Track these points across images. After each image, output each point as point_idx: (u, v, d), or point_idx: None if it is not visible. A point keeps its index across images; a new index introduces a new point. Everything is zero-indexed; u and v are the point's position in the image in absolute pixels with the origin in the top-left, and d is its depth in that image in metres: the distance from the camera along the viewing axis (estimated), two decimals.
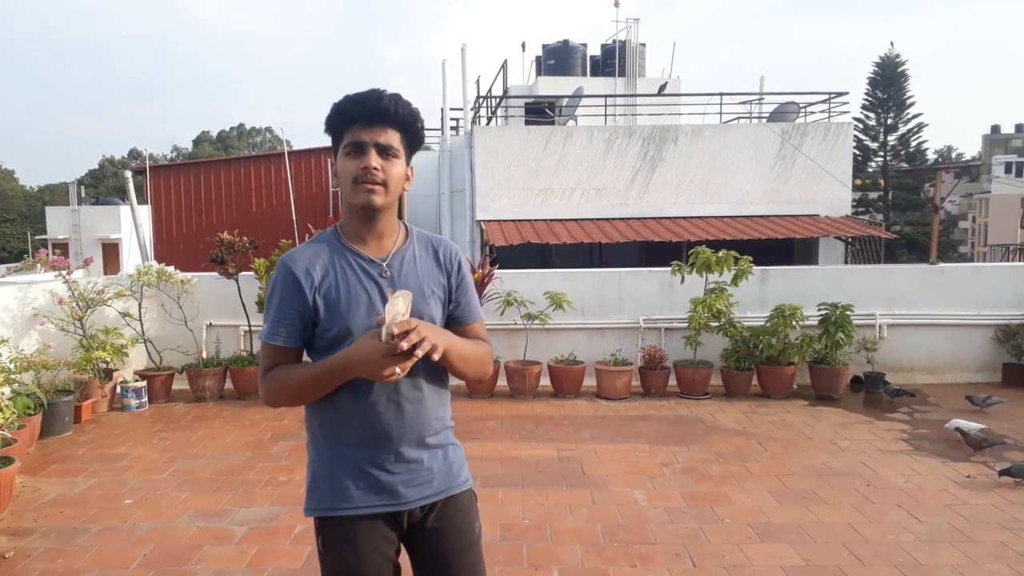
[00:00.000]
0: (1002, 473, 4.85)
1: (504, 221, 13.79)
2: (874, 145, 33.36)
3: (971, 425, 5.60)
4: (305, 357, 1.91)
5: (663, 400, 7.28)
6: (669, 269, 7.70)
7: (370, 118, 1.79)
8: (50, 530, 4.18)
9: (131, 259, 18.65)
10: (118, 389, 7.00)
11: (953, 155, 66.97)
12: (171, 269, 7.63)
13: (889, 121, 33.12)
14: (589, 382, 7.52)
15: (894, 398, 7.05)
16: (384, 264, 1.87)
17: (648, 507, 4.50)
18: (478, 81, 18.13)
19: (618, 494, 4.71)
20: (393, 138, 1.82)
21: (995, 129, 73.16)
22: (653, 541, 4.01)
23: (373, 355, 1.66)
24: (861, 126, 32.49)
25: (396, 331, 1.63)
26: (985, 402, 6.60)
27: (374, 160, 1.79)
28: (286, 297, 1.83)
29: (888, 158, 33.18)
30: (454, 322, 1.97)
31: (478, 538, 2.00)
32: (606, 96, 17.30)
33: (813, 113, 16.35)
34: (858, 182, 28.19)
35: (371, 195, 1.80)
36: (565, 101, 17.33)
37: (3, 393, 5.02)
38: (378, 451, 1.83)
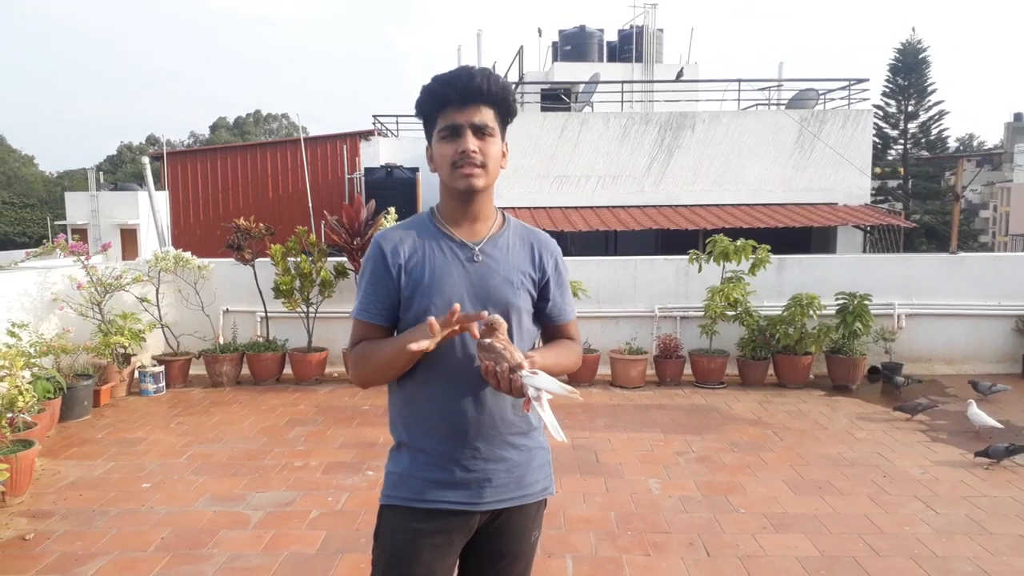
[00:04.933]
0: (978, 455, 5.00)
1: (519, 208, 13.76)
2: (894, 133, 32.91)
3: (987, 419, 5.57)
4: None
5: (678, 389, 7.26)
6: (685, 257, 7.66)
7: (463, 98, 1.73)
8: (69, 513, 4.23)
9: (149, 245, 18.77)
10: (136, 374, 7.07)
11: (975, 143, 66.09)
12: (188, 255, 7.68)
13: (910, 108, 32.65)
14: (604, 370, 7.51)
15: (902, 388, 7.00)
16: (477, 248, 1.82)
17: (662, 496, 4.49)
18: (494, 67, 18.07)
19: (632, 483, 4.70)
20: (488, 116, 1.76)
21: (1018, 117, 71.96)
22: (667, 530, 4.00)
23: (423, 328, 1.62)
24: (881, 113, 32.07)
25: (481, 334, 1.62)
26: (990, 389, 6.57)
27: (471, 143, 1.74)
28: (376, 274, 1.80)
29: (908, 146, 32.73)
30: (548, 319, 1.93)
31: (533, 547, 1.93)
32: (623, 82, 17.18)
33: (833, 100, 16.17)
34: (877, 170, 27.90)
35: (471, 179, 1.75)
36: (581, 87, 17.24)
37: (23, 377, 5.08)
38: (455, 445, 1.77)
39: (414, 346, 1.59)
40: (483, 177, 1.77)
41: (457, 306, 1.60)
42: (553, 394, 1.58)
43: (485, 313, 1.62)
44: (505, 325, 1.66)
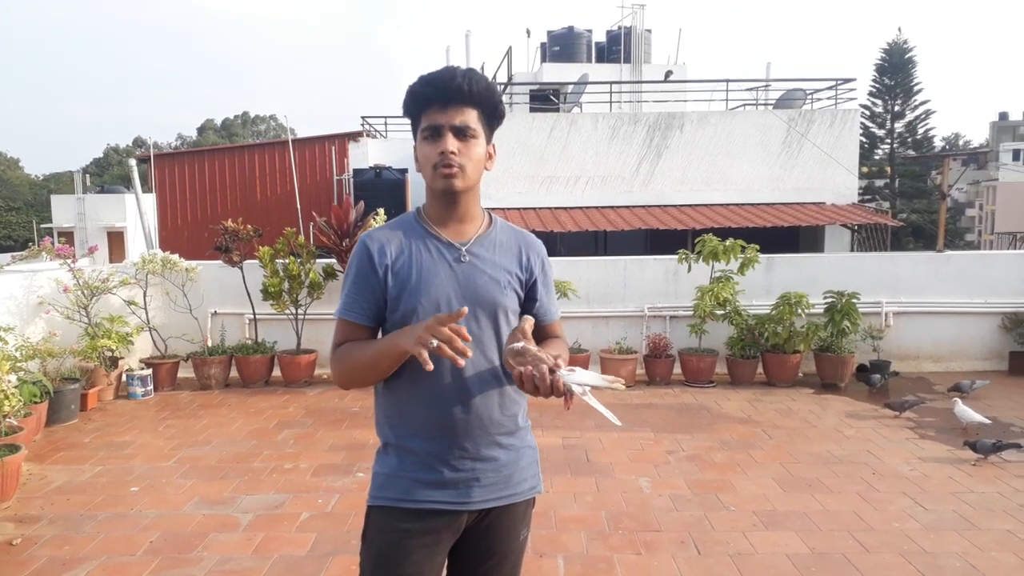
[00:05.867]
0: (967, 444, 5.12)
1: (508, 209, 13.75)
2: (881, 132, 33.13)
3: (975, 415, 5.60)
4: None
5: (668, 388, 7.28)
6: (674, 257, 7.68)
7: (445, 99, 1.72)
8: (57, 517, 4.19)
9: (136, 247, 18.66)
10: (124, 377, 7.02)
11: (960, 142, 66.63)
12: (176, 257, 7.64)
13: (896, 108, 32.87)
14: (593, 370, 7.49)
15: (876, 387, 7.03)
16: (463, 249, 1.81)
17: (653, 495, 4.50)
18: (482, 67, 18.06)
19: (623, 482, 4.71)
20: (470, 117, 1.74)
21: (1003, 116, 72.63)
22: (658, 528, 4.01)
23: (420, 327, 1.59)
24: (868, 113, 32.28)
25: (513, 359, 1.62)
26: (971, 387, 6.64)
27: (451, 144, 1.72)
28: (361, 273, 1.79)
29: (895, 145, 32.95)
30: (535, 319, 1.91)
31: (521, 546, 1.93)
32: (611, 83, 17.21)
33: (820, 100, 16.24)
34: (864, 170, 28.04)
35: (451, 180, 1.74)
36: (570, 88, 17.25)
37: (9, 381, 5.03)
38: (443, 445, 1.76)
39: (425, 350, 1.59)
40: (462, 179, 1.76)
41: (465, 309, 1.60)
42: (596, 387, 1.58)
43: (465, 309, 1.60)
44: (532, 327, 1.67)
